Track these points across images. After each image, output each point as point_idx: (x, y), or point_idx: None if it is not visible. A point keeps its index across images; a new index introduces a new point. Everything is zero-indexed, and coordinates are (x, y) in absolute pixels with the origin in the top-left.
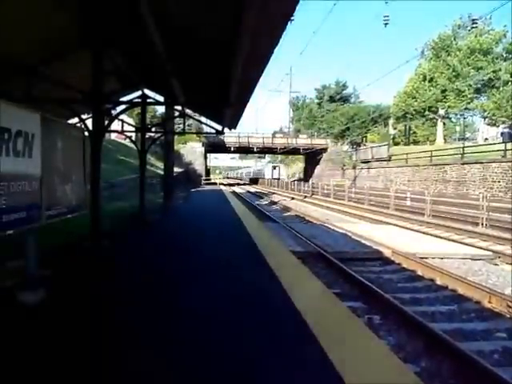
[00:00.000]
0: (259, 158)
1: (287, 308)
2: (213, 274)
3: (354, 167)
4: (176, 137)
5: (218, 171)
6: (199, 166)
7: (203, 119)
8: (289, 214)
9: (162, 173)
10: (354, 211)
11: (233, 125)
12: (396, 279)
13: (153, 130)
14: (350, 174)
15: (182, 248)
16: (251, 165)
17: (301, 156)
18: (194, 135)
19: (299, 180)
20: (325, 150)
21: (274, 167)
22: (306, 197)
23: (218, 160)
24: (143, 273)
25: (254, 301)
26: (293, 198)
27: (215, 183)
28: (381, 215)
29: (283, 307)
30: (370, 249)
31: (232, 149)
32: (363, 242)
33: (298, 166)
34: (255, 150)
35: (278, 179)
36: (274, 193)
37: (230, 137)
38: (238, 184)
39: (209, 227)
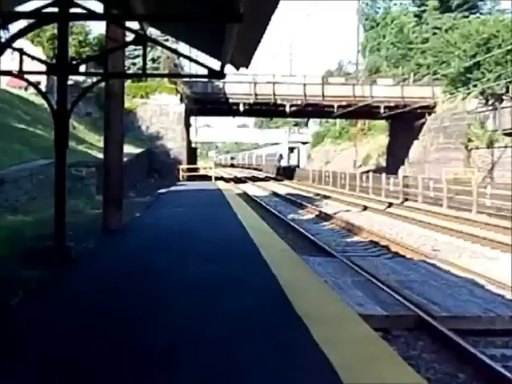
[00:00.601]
0: (296, 125)
1: None
2: None
3: (491, 144)
4: (128, 83)
5: (212, 153)
6: (175, 143)
7: (183, 49)
8: (356, 238)
9: (100, 156)
10: (490, 234)
11: (243, 60)
12: None
13: (82, 69)
14: (483, 159)
15: (138, 319)
16: (280, 140)
17: (380, 122)
18: (165, 80)
19: (377, 171)
20: (430, 109)
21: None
22: (391, 205)
23: (212, 130)
24: None
25: None
26: (365, 208)
27: (208, 176)
28: None
29: None
30: None
31: (241, 108)
32: (508, 296)
33: (375, 141)
34: (288, 109)
35: (298, 167)
36: (325, 196)
37: (236, 84)
38: (255, 179)
39: (195, 267)
